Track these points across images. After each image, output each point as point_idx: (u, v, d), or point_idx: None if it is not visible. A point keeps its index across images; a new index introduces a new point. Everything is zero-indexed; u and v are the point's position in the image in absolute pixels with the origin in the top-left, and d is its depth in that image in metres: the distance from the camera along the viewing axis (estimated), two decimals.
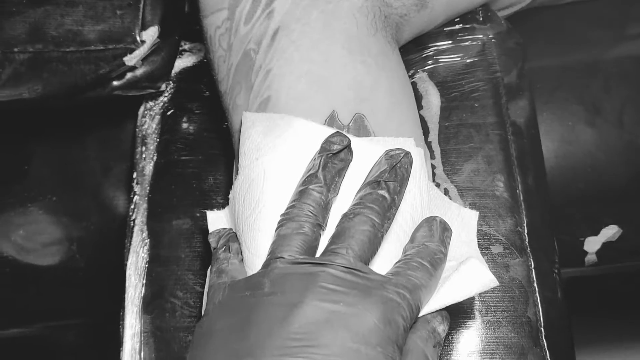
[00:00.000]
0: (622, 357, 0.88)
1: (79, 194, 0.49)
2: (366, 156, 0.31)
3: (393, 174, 0.29)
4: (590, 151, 0.48)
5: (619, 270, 0.53)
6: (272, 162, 0.31)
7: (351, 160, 0.31)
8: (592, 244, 0.50)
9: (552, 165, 0.48)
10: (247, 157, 0.32)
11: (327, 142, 0.30)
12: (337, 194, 0.30)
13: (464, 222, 0.35)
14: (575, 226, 0.50)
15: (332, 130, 0.31)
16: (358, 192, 0.29)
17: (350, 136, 0.31)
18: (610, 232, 0.49)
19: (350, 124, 0.32)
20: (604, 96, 0.49)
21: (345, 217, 0.28)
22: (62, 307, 0.52)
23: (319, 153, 0.30)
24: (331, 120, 0.32)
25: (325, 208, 0.29)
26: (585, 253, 0.51)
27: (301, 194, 0.29)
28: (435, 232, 0.29)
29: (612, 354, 0.89)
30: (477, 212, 0.35)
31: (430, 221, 0.30)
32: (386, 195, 0.28)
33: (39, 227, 0.48)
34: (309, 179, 0.29)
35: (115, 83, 0.44)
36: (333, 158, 0.30)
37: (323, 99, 0.32)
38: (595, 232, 0.50)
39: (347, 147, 0.30)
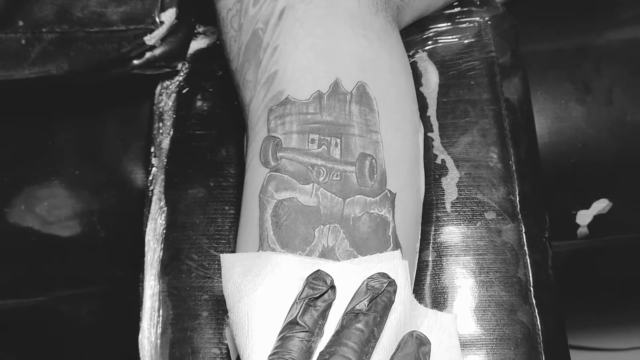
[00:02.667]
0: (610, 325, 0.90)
1: (99, 168, 0.52)
2: (350, 281, 0.30)
3: (374, 306, 0.28)
4: (582, 128, 0.51)
5: (609, 244, 0.56)
6: (254, 304, 0.30)
7: (334, 299, 0.29)
8: (584, 217, 0.53)
9: (545, 141, 0.51)
10: (230, 300, 0.32)
11: (310, 283, 0.29)
12: (322, 335, 0.29)
13: (443, 327, 0.34)
14: (567, 200, 0.53)
15: (312, 263, 0.31)
16: (338, 323, 0.29)
17: (330, 264, 0.31)
18: (601, 205, 0.52)
19: (353, 91, 0.35)
20: (594, 76, 0.51)
21: (321, 356, 0.28)
22: (85, 275, 0.55)
23: (300, 296, 0.29)
24: (335, 87, 0.35)
25: (308, 352, 0.28)
26: (578, 226, 0.53)
27: (284, 340, 0.28)
28: (412, 348, 0.28)
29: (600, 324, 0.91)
30: (456, 315, 0.35)
31: (406, 339, 0.29)
32: (364, 329, 0.28)
33: (62, 199, 0.51)
34: (291, 325, 0.28)
35: (135, 62, 0.47)
36: (315, 301, 0.29)
37: (327, 68, 0.35)
38: (587, 206, 0.52)
39: (331, 288, 0.29)
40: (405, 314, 0.31)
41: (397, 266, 0.31)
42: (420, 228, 0.37)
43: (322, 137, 0.34)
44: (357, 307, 0.28)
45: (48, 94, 0.53)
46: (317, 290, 0.29)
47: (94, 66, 0.45)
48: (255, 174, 0.35)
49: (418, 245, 0.37)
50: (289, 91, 0.35)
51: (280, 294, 0.30)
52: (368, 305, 0.28)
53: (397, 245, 0.33)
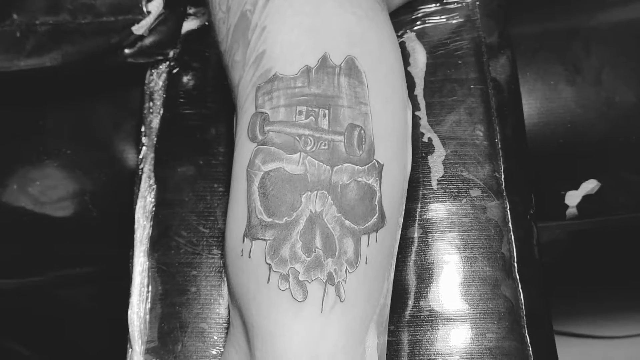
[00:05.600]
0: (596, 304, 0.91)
1: (91, 148, 0.52)
2: None
3: None
4: (571, 108, 0.51)
5: (598, 225, 0.56)
6: None
7: None
8: (573, 198, 0.53)
9: (534, 121, 0.51)
10: None
11: None
12: None
13: None
14: (556, 180, 0.53)
15: None
16: None
17: None
18: (589, 186, 0.52)
19: (342, 64, 0.35)
20: (584, 57, 0.51)
21: None
22: (78, 255, 0.56)
23: None
24: (323, 61, 0.35)
25: None
26: (567, 207, 0.54)
27: None
28: None
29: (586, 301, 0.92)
30: None
31: None
32: None
33: (54, 179, 0.52)
34: None
35: (127, 51, 0.48)
36: None
37: (315, 44, 0.35)
38: (576, 186, 0.53)
39: None
40: None
41: None
42: (404, 203, 0.38)
43: (310, 109, 0.34)
44: None
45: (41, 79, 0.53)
46: None
47: (87, 57, 0.46)
48: (244, 149, 0.35)
49: (402, 220, 0.38)
50: (277, 68, 0.35)
51: None
52: None
53: (382, 215, 0.34)
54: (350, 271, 0.32)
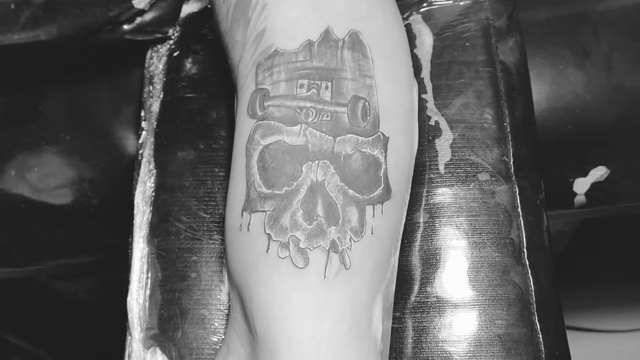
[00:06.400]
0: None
1: (90, 133, 0.51)
2: None
3: None
4: (580, 93, 0.50)
5: (606, 213, 0.55)
6: None
7: None
8: (581, 185, 0.52)
9: (543, 107, 0.50)
10: None
11: None
12: None
13: None
14: (565, 168, 0.52)
15: None
16: None
17: None
18: (598, 173, 0.51)
19: (345, 38, 0.34)
20: (593, 41, 0.50)
21: None
22: (77, 243, 0.55)
23: None
24: (326, 35, 0.33)
25: None
26: (575, 194, 0.52)
27: None
28: None
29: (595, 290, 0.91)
30: None
31: None
32: None
33: (54, 165, 0.51)
34: None
35: (125, 27, 0.46)
36: None
37: (317, 18, 0.34)
38: (584, 174, 0.52)
39: None
40: None
41: None
42: (410, 181, 0.37)
43: (312, 82, 0.33)
44: None
45: (39, 59, 0.52)
46: None
47: (82, 30, 0.45)
48: (244, 127, 0.34)
49: (408, 197, 0.36)
50: (278, 44, 0.34)
51: None
52: None
53: (387, 188, 0.33)
54: (355, 240, 0.31)
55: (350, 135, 0.32)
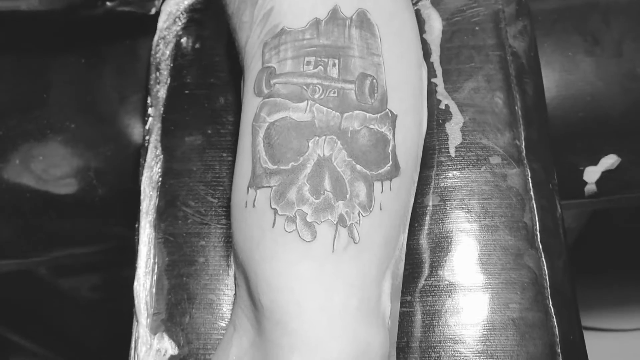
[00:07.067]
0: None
1: (96, 121, 0.51)
2: None
3: None
4: (590, 80, 0.49)
5: (616, 204, 0.54)
6: None
7: None
8: (592, 174, 0.51)
9: (553, 94, 0.50)
10: None
11: None
12: None
13: None
14: (575, 156, 0.51)
15: None
16: None
17: None
18: (609, 161, 0.51)
19: (353, 17, 0.33)
20: (603, 27, 0.50)
21: None
22: (81, 234, 0.54)
23: None
24: (334, 13, 0.33)
25: None
26: (585, 183, 0.52)
27: None
28: None
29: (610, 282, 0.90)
30: None
31: None
32: None
33: (59, 153, 0.50)
34: None
35: (108, 3, 0.46)
36: None
37: None
38: (595, 162, 0.51)
39: None
40: None
41: None
42: (419, 161, 0.36)
43: (319, 59, 0.32)
44: None
45: (44, 46, 0.52)
46: None
47: (65, 4, 0.44)
48: (250, 106, 0.34)
49: (416, 177, 0.36)
50: (285, 22, 0.34)
51: None
52: None
53: (396, 164, 0.32)
54: (363, 215, 0.30)
55: (357, 111, 0.32)
